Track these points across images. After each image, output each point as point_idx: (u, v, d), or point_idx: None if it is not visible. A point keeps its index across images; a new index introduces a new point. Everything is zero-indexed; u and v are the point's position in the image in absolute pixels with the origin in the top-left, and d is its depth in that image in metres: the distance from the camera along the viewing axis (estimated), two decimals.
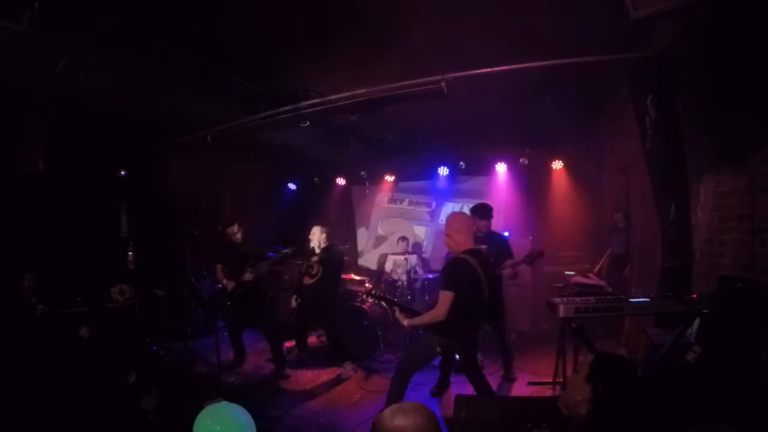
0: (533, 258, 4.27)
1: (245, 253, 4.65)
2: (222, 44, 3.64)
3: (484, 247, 4.14)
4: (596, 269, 5.27)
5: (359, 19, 3.21)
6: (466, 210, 4.74)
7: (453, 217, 3.34)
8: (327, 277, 4.90)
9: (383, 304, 5.26)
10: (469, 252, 3.08)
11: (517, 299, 5.78)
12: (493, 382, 3.70)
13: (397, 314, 3.31)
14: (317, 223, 5.07)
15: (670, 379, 2.41)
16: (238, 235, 4.74)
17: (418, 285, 6.19)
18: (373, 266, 7.84)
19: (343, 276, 6.03)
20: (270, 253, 4.84)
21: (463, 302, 2.93)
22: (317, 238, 4.89)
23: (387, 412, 1.40)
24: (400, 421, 1.33)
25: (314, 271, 4.85)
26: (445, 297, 2.92)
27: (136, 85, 4.26)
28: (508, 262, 4.23)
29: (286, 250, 4.88)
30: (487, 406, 2.60)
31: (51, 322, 4.21)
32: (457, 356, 3.69)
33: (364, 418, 3.53)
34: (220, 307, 5.56)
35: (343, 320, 5.17)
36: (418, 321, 3.15)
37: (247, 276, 4.49)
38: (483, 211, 4.38)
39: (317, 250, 4.88)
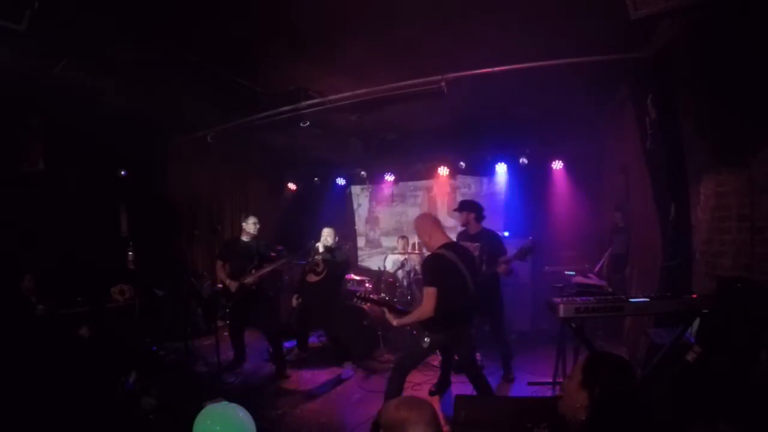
0: (524, 253, 4.27)
1: (249, 253, 4.61)
2: (222, 44, 3.65)
3: (476, 245, 4.16)
4: (596, 269, 5.26)
5: (359, 19, 3.21)
6: None
7: (416, 219, 3.42)
8: (332, 277, 4.91)
9: None
10: (444, 246, 3.11)
11: (517, 299, 5.78)
12: (493, 382, 3.70)
13: (387, 315, 3.34)
14: (326, 225, 5.08)
15: (670, 379, 2.41)
16: (254, 229, 4.65)
17: (418, 285, 6.18)
18: (373, 266, 7.83)
19: (345, 276, 6.02)
20: (271, 253, 4.83)
21: (448, 296, 2.95)
22: (325, 238, 4.89)
23: (393, 402, 1.43)
24: (404, 412, 1.36)
25: (320, 269, 4.85)
26: (429, 293, 2.94)
27: (136, 84, 4.26)
28: (502, 259, 4.23)
29: (285, 259, 4.86)
30: (487, 406, 2.61)
31: (51, 322, 4.21)
32: (456, 356, 3.70)
33: (364, 418, 3.53)
34: (220, 307, 5.56)
35: (343, 320, 5.17)
36: (407, 320, 3.18)
37: (249, 279, 4.48)
38: (468, 206, 4.41)
39: (321, 249, 4.88)
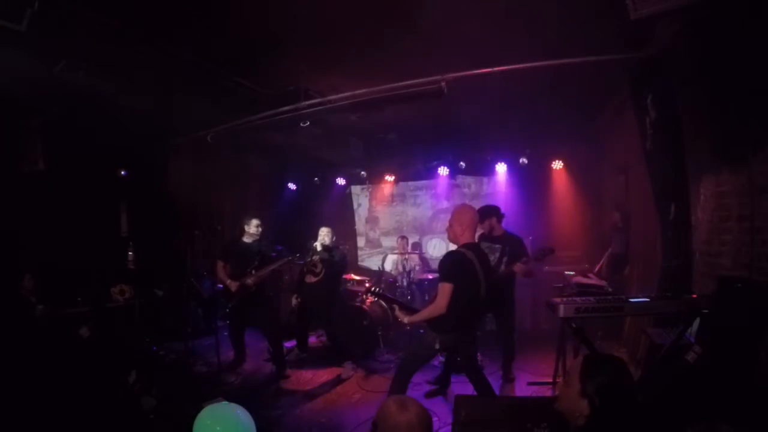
0: (543, 254, 4.25)
1: (250, 254, 4.60)
2: (222, 44, 3.65)
3: (497, 246, 4.15)
4: (596, 269, 5.26)
5: (359, 19, 3.21)
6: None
7: (460, 208, 3.30)
8: (330, 277, 4.90)
9: (383, 303, 5.26)
10: (466, 246, 3.09)
11: (517, 299, 5.76)
12: (493, 382, 3.69)
13: (398, 312, 3.31)
14: (324, 225, 5.08)
15: (670, 379, 2.41)
16: (256, 231, 4.65)
17: (417, 285, 6.18)
18: (373, 266, 7.84)
19: (344, 276, 6.02)
20: (272, 254, 4.83)
21: (462, 296, 2.92)
22: (322, 238, 4.89)
23: (394, 397, 1.51)
24: (392, 406, 1.43)
25: (318, 270, 4.85)
26: (445, 289, 2.91)
27: (136, 84, 4.26)
28: (522, 260, 4.18)
29: (288, 258, 4.86)
30: (487, 406, 2.60)
31: (51, 322, 4.21)
32: (458, 357, 3.69)
33: (364, 418, 3.53)
34: (220, 307, 5.56)
35: (343, 320, 5.17)
36: (418, 317, 3.15)
37: (250, 280, 4.48)
38: (487, 213, 4.32)
39: (319, 248, 4.87)
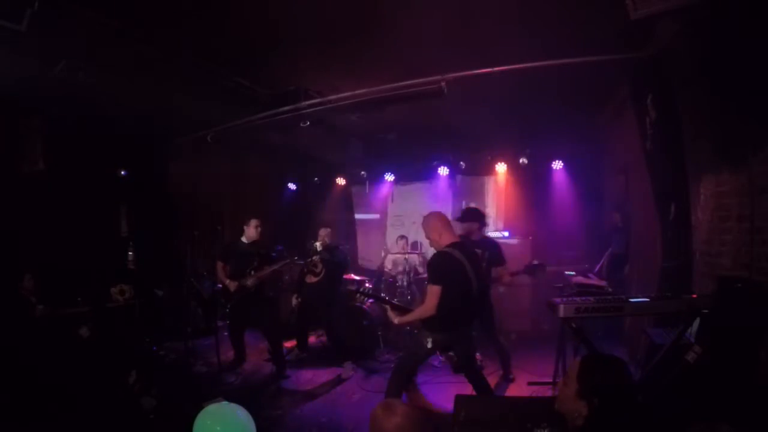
0: (533, 270, 4.26)
1: (249, 255, 4.61)
2: (222, 44, 3.65)
3: (478, 251, 4.14)
4: (596, 269, 5.27)
5: (359, 19, 3.21)
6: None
7: (424, 220, 3.31)
8: (330, 277, 4.91)
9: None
10: (452, 245, 3.07)
11: (517, 299, 5.78)
12: (493, 382, 3.71)
13: (389, 313, 3.30)
14: (324, 225, 5.10)
15: (670, 379, 2.41)
16: (256, 232, 4.65)
17: (418, 285, 6.18)
18: (373, 266, 7.83)
19: (344, 276, 6.02)
20: (272, 254, 4.83)
21: (452, 295, 2.92)
22: (323, 238, 4.90)
23: (383, 402, 1.54)
24: (379, 410, 1.46)
25: (318, 270, 4.85)
26: (433, 291, 2.92)
27: (136, 84, 4.26)
28: (511, 271, 4.19)
29: (286, 260, 4.86)
30: (486, 406, 2.60)
31: (51, 322, 4.22)
32: (456, 356, 3.68)
33: (364, 418, 3.51)
34: (220, 307, 5.57)
35: (343, 320, 5.17)
36: (408, 318, 3.16)
37: (249, 281, 4.48)
38: (472, 215, 4.35)
39: (319, 248, 4.88)
